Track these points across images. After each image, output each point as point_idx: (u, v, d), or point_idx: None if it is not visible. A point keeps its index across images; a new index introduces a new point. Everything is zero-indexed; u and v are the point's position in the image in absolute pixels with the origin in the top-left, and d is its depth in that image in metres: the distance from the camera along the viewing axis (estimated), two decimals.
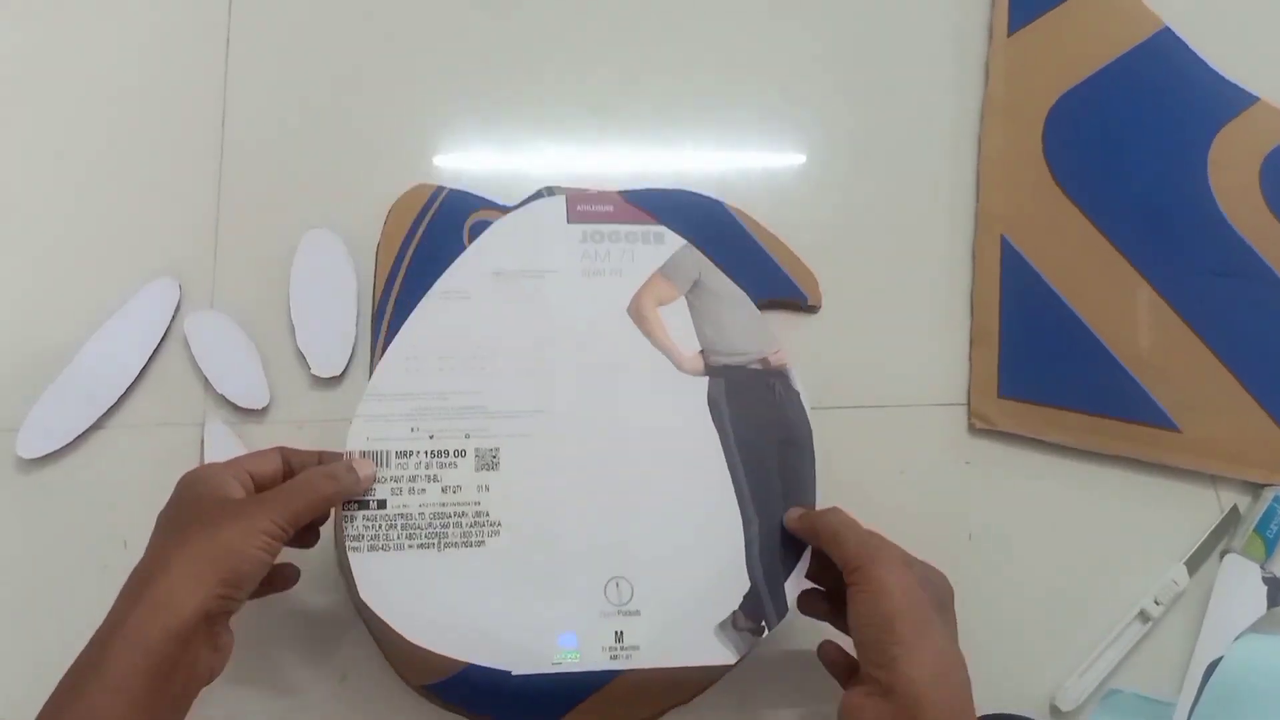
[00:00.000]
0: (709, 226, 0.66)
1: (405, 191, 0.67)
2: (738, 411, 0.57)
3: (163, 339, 0.64)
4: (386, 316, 0.65)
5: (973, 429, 0.65)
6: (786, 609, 0.54)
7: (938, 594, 0.50)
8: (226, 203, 0.68)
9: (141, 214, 0.67)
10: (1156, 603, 0.60)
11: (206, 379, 0.63)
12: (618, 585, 0.53)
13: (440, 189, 0.68)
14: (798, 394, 0.58)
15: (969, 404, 0.65)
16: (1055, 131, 0.70)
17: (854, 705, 0.47)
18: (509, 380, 0.56)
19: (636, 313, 0.58)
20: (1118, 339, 0.66)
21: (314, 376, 0.64)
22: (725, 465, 0.56)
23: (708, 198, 0.68)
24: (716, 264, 0.63)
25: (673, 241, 0.61)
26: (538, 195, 0.67)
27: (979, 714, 0.57)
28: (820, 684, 0.54)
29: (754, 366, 0.58)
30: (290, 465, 0.52)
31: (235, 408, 0.63)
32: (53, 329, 0.64)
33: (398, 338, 0.58)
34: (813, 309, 0.66)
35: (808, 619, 0.56)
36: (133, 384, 0.63)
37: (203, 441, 0.62)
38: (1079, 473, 0.64)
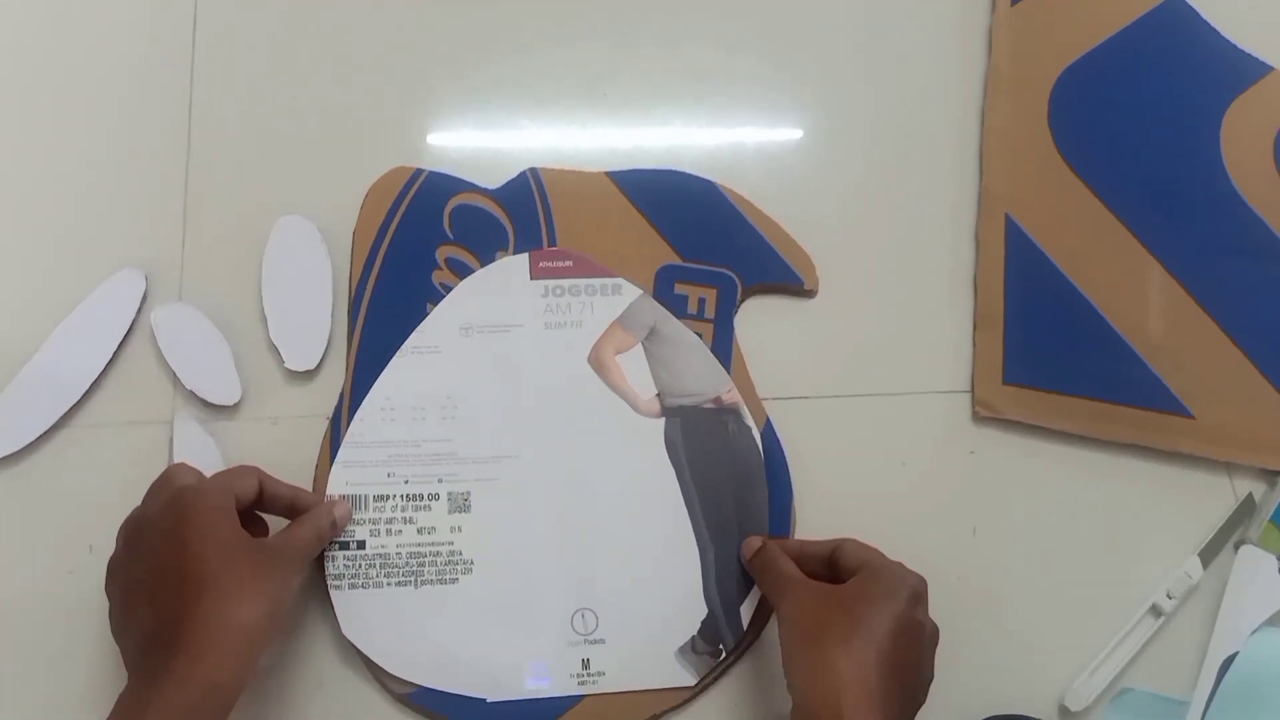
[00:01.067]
0: (701, 209, 0.65)
1: (382, 174, 0.65)
2: (693, 448, 0.60)
3: (128, 333, 0.61)
4: (364, 305, 0.62)
5: (977, 417, 0.62)
6: (743, 631, 0.57)
7: (859, 604, 0.50)
8: (194, 189, 0.65)
9: (104, 202, 0.65)
10: (1169, 596, 0.58)
11: (175, 374, 0.61)
12: (583, 616, 0.57)
13: (419, 171, 0.65)
14: (749, 428, 0.61)
15: (973, 391, 0.63)
16: (1061, 105, 0.68)
17: None
18: (478, 428, 0.60)
19: (596, 361, 0.62)
20: (1128, 322, 0.63)
21: (288, 370, 0.61)
22: (682, 500, 0.59)
23: (700, 178, 0.66)
24: (711, 249, 0.64)
25: (629, 292, 0.63)
26: (521, 177, 0.65)
27: (988, 715, 0.56)
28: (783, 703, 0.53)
29: (707, 406, 0.61)
30: (264, 490, 0.54)
31: (205, 404, 0.60)
32: (11, 324, 0.61)
33: (373, 390, 0.60)
34: (809, 293, 0.64)
35: (770, 640, 0.57)
36: (97, 381, 0.60)
37: (171, 440, 0.59)
38: (1088, 462, 0.62)
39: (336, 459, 0.59)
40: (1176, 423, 0.61)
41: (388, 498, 0.58)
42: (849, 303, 0.64)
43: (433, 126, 0.67)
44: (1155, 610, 0.58)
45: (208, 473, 0.54)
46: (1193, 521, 0.61)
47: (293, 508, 0.55)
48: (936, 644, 0.53)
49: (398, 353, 0.61)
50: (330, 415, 0.60)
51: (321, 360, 0.61)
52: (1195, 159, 0.67)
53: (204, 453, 0.59)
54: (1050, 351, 0.63)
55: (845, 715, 0.46)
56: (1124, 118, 0.68)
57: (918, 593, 0.52)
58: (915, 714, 0.51)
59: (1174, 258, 0.64)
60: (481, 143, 0.67)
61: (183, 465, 0.54)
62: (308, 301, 0.62)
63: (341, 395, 0.61)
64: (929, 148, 0.68)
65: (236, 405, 0.60)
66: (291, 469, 0.58)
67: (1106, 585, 0.59)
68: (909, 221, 0.66)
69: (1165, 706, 0.56)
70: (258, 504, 0.54)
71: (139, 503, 0.52)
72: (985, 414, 0.62)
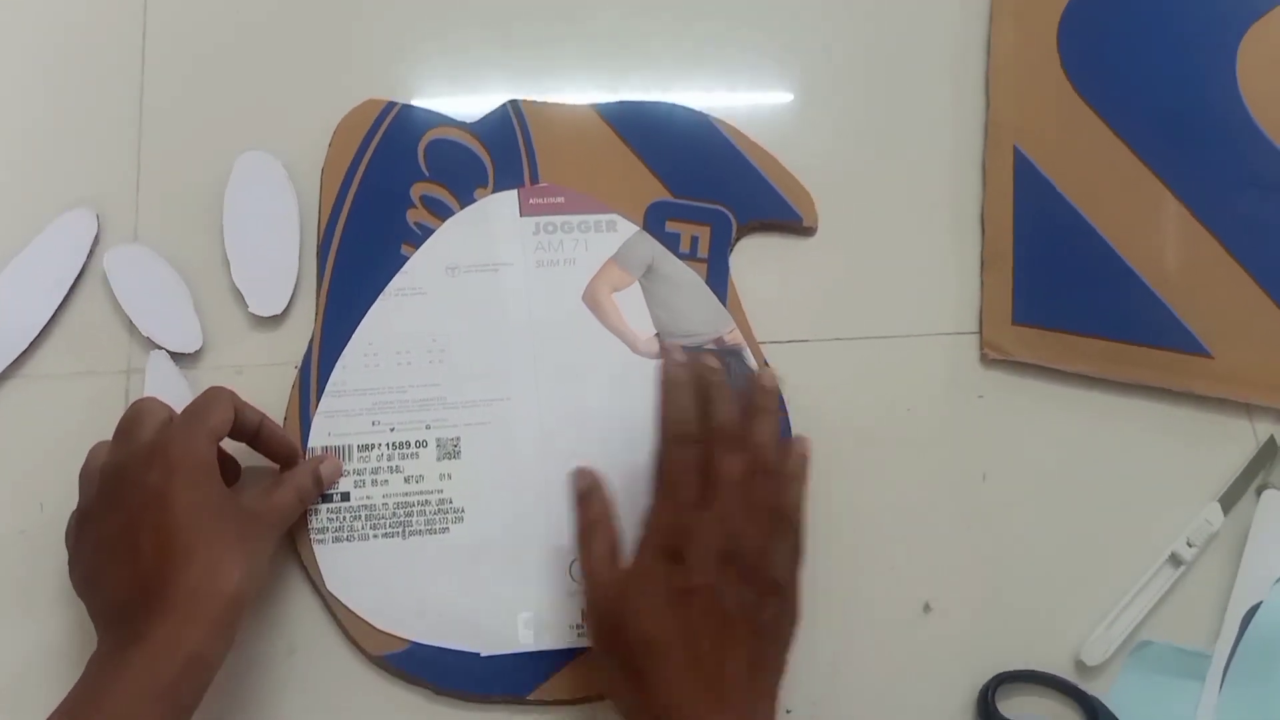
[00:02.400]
0: (694, 143, 0.62)
1: (352, 109, 0.61)
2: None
3: (79, 277, 0.58)
4: (333, 247, 0.59)
5: (985, 359, 0.59)
6: None
7: None
8: (149, 122, 0.61)
9: (52, 137, 0.61)
10: (1189, 545, 0.56)
11: (131, 321, 0.57)
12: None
13: (391, 104, 0.61)
14: (751, 369, 0.58)
15: (981, 332, 0.60)
16: (1071, 31, 0.64)
17: None
18: (467, 371, 0.57)
19: (591, 300, 0.59)
20: (1143, 258, 0.60)
21: (253, 316, 0.57)
22: None
23: (692, 111, 0.62)
24: (704, 185, 0.61)
25: (625, 229, 0.60)
26: (501, 110, 0.61)
27: (1000, 671, 0.53)
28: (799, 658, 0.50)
29: (708, 347, 0.58)
30: (236, 418, 0.50)
31: (164, 352, 0.56)
32: None
33: (355, 335, 0.57)
34: (808, 231, 0.61)
35: None
36: (46, 328, 0.57)
37: (145, 381, 0.56)
38: (1102, 404, 0.59)
39: (319, 409, 0.56)
40: (1194, 363, 0.59)
41: (373, 447, 0.55)
42: (849, 241, 0.61)
43: (405, 56, 0.63)
44: (1174, 559, 0.56)
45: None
46: (1212, 466, 0.58)
47: (258, 436, 0.52)
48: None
49: (380, 296, 0.58)
50: (299, 364, 0.57)
51: (289, 305, 0.58)
52: (1210, 87, 0.64)
53: (177, 390, 0.56)
54: (1061, 289, 0.60)
55: None
56: (1137, 44, 0.64)
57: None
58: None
59: (1190, 190, 0.62)
60: (458, 74, 0.63)
61: (154, 401, 0.50)
62: (273, 243, 0.58)
63: (311, 342, 0.57)
64: (932, 78, 0.64)
65: (198, 353, 0.57)
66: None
67: (1123, 533, 0.57)
68: (911, 155, 0.63)
69: (1186, 659, 0.54)
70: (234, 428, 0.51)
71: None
72: (994, 356, 0.59)
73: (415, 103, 0.62)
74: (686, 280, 0.59)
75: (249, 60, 0.62)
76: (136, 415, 0.49)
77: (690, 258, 0.59)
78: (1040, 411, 0.59)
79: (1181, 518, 0.57)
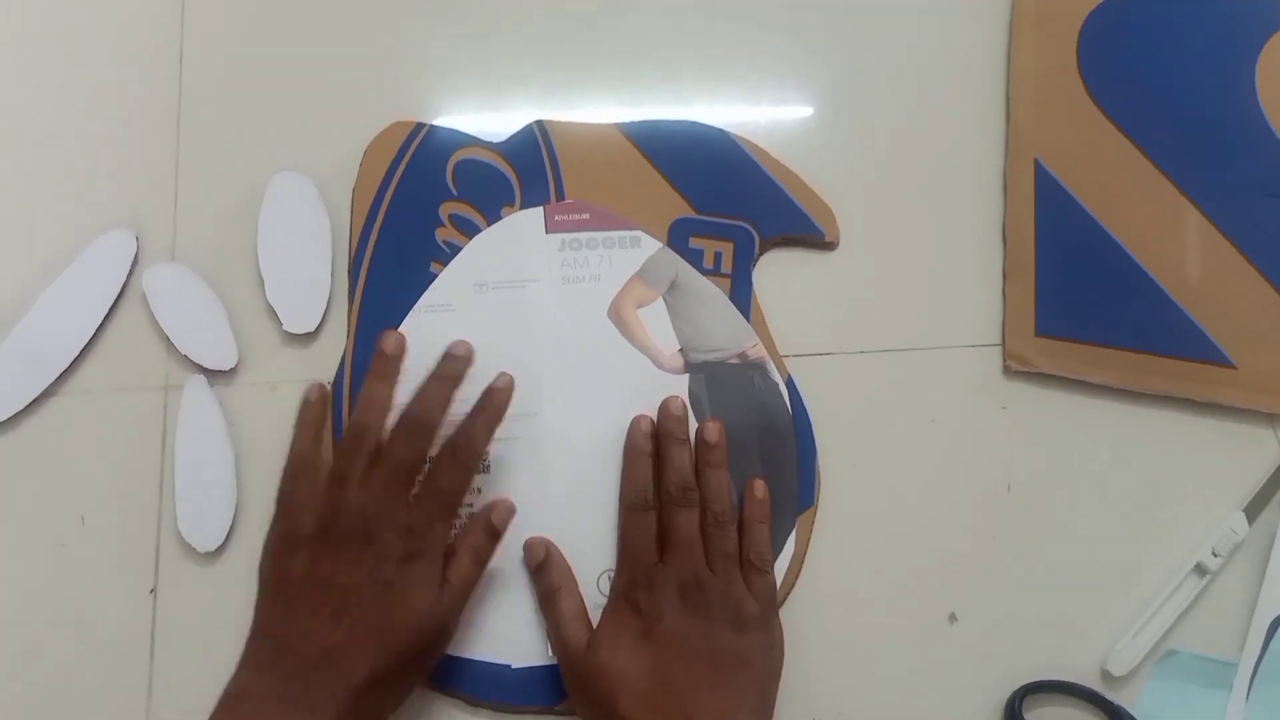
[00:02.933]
0: (715, 160, 0.63)
1: (381, 130, 0.62)
2: (718, 405, 0.58)
3: (119, 296, 0.59)
4: (364, 266, 0.60)
5: (1008, 371, 0.59)
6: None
7: None
8: (186, 145, 0.62)
9: (93, 159, 0.62)
10: (1214, 554, 0.56)
11: (169, 338, 0.58)
12: (609, 577, 0.55)
13: (420, 125, 0.62)
14: (775, 384, 0.59)
15: (1004, 344, 0.60)
16: (1090, 44, 0.64)
17: None
18: None
19: (616, 316, 0.60)
20: (1164, 269, 0.60)
21: (286, 333, 0.58)
22: None
23: (713, 128, 0.63)
24: (726, 201, 0.61)
25: (649, 245, 0.61)
26: (526, 130, 0.62)
27: (1026, 682, 0.53)
28: (818, 659, 0.53)
29: (732, 361, 0.59)
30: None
31: (201, 369, 0.58)
32: None
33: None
34: (830, 245, 0.61)
35: (805, 602, 0.55)
36: (87, 346, 0.58)
37: (181, 403, 0.57)
38: (1125, 415, 0.59)
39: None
40: (1217, 373, 0.59)
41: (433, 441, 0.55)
42: (872, 255, 0.61)
43: (433, 78, 0.64)
44: (1200, 569, 0.56)
45: (209, 438, 0.53)
46: (1237, 476, 0.58)
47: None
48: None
49: (410, 312, 0.59)
50: (331, 380, 0.58)
51: (321, 322, 0.59)
52: (1230, 99, 0.64)
53: (214, 418, 0.57)
54: (1084, 301, 0.60)
55: None
56: (1156, 57, 0.65)
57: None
58: None
59: (1210, 201, 0.62)
60: (485, 95, 0.64)
61: (457, 475, 0.51)
62: (306, 261, 0.60)
63: (343, 359, 0.58)
64: (953, 92, 0.65)
65: (233, 369, 0.58)
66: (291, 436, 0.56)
67: (1148, 544, 0.57)
68: (933, 168, 0.63)
69: (1212, 669, 0.54)
70: None
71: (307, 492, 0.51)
72: (1017, 367, 0.59)
73: (442, 123, 0.63)
74: (710, 295, 0.59)
75: (282, 82, 0.64)
76: (410, 449, 0.50)
77: (714, 273, 0.60)
78: (1064, 422, 0.59)
79: (1206, 527, 0.57)
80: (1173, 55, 0.65)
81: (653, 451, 0.55)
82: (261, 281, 0.59)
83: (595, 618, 0.53)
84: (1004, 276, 0.61)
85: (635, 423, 0.56)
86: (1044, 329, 0.59)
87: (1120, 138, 0.63)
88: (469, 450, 0.51)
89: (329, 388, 0.54)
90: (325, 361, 0.58)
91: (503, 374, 0.54)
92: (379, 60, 0.65)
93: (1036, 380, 0.59)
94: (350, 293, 0.59)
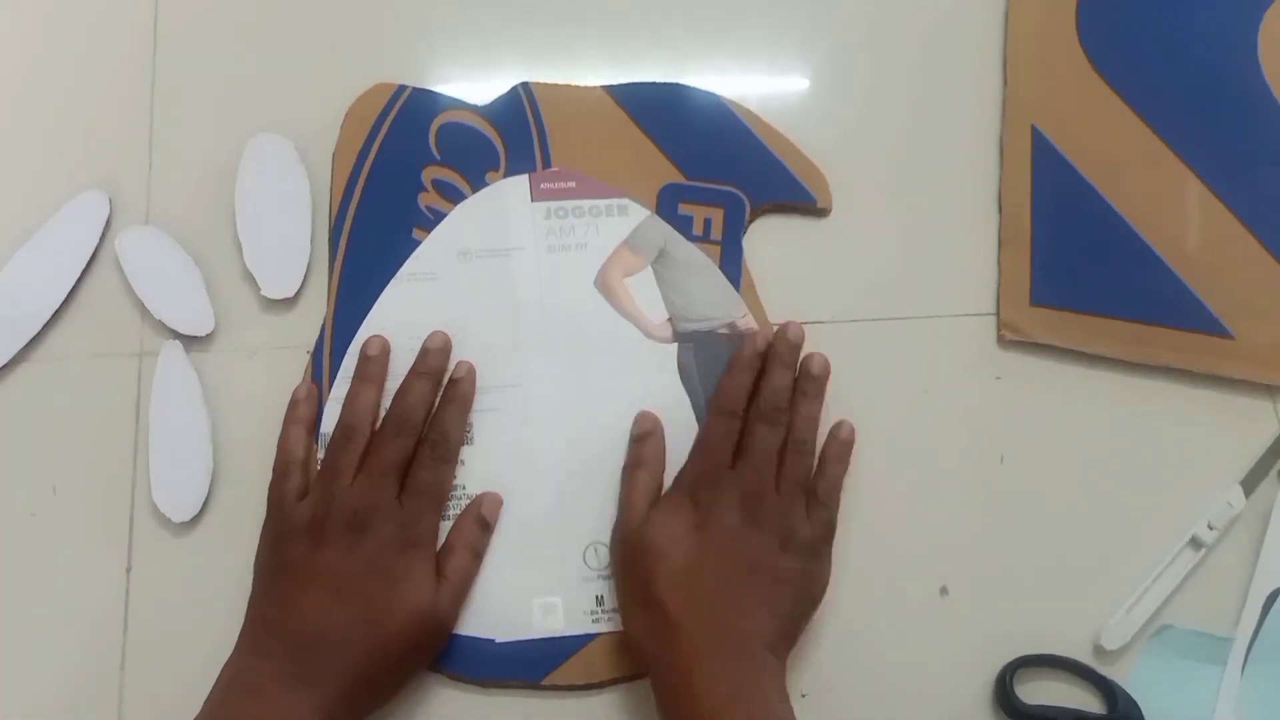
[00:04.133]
0: (706, 125, 0.61)
1: (363, 92, 0.61)
2: (707, 375, 0.57)
3: (91, 260, 0.58)
4: (345, 231, 0.58)
5: (1003, 341, 0.58)
6: None
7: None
8: (161, 105, 0.61)
9: (66, 119, 0.61)
10: (1210, 528, 0.55)
11: (143, 304, 0.57)
12: (596, 550, 0.54)
13: (402, 88, 0.61)
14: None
15: (998, 313, 0.59)
16: (1090, 10, 0.63)
17: None
18: (480, 358, 0.57)
19: (604, 285, 0.58)
20: (1163, 238, 0.59)
21: (265, 298, 0.57)
22: (697, 426, 0.56)
23: (704, 92, 0.62)
24: (717, 167, 0.60)
25: (637, 213, 0.59)
26: (512, 93, 0.61)
27: (1018, 656, 0.52)
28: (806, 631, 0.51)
29: (722, 331, 0.58)
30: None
31: (177, 335, 0.56)
32: None
33: (367, 320, 0.57)
34: (822, 212, 0.60)
35: None
36: (58, 311, 0.57)
37: (156, 370, 0.56)
38: (1122, 386, 0.58)
39: (330, 394, 0.55)
40: (1216, 344, 0.58)
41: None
42: (865, 222, 0.60)
43: (417, 37, 0.63)
44: (1195, 542, 0.55)
45: (185, 406, 0.53)
46: (1234, 448, 0.57)
47: None
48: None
49: (392, 280, 0.58)
50: (311, 348, 0.56)
51: (301, 287, 0.57)
52: (1231, 66, 0.63)
53: (189, 386, 0.55)
54: (1080, 270, 0.59)
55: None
56: (1157, 22, 0.63)
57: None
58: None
59: (1210, 170, 0.60)
60: (469, 56, 0.63)
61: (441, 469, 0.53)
62: (285, 225, 0.58)
63: (323, 326, 0.57)
64: (949, 56, 0.63)
65: (210, 336, 0.57)
66: (270, 404, 0.55)
67: (1143, 516, 0.56)
68: (928, 134, 0.62)
69: (1207, 644, 0.54)
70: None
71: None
72: (1011, 337, 0.58)
73: (427, 86, 0.61)
74: (699, 264, 0.58)
75: (261, 42, 0.62)
76: (394, 442, 0.52)
77: (703, 240, 0.59)
78: (1059, 393, 0.58)
79: (1203, 500, 0.56)
80: (1174, 21, 0.64)
81: (759, 369, 0.55)
82: (239, 246, 0.58)
83: (584, 590, 0.53)
84: (999, 244, 0.60)
85: (750, 338, 0.56)
86: (1039, 298, 0.58)
87: (1120, 104, 0.62)
88: (444, 445, 0.53)
89: (315, 385, 0.55)
90: (304, 327, 0.57)
91: (461, 363, 0.55)
92: (361, 20, 0.63)
93: (1031, 350, 0.58)
94: (330, 259, 0.58)
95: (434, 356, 0.54)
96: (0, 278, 0.56)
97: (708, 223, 0.59)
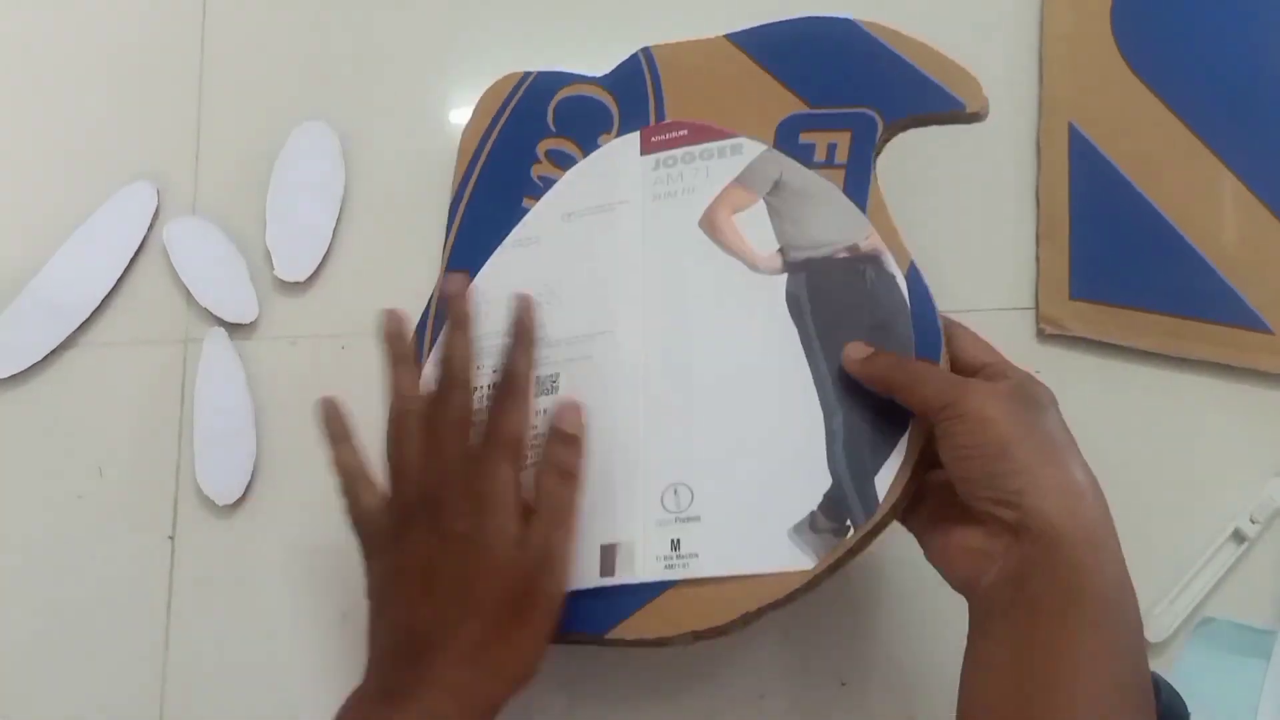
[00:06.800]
0: (834, 50, 0.57)
1: (494, 82, 0.60)
2: (821, 303, 0.52)
3: (140, 248, 0.58)
4: (461, 206, 0.58)
5: (1042, 334, 0.58)
6: (876, 506, 0.47)
7: (1047, 419, 0.44)
8: (209, 98, 0.62)
9: (116, 111, 0.62)
10: (1252, 521, 0.54)
11: (189, 291, 0.57)
12: (676, 492, 0.50)
13: (528, 74, 0.60)
14: (892, 276, 0.52)
15: (1037, 307, 0.59)
16: (1125, 7, 0.63)
17: (972, 550, 0.42)
18: (573, 310, 0.54)
19: (709, 223, 0.55)
20: (1201, 233, 0.59)
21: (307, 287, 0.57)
22: (805, 359, 0.51)
23: (833, 18, 0.57)
24: (847, 90, 0.56)
25: (752, 149, 0.56)
26: (632, 59, 0.59)
27: None
28: (919, 587, 0.49)
29: (841, 255, 0.53)
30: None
31: (221, 322, 0.57)
32: (18, 239, 0.59)
33: (469, 290, 0.54)
34: (974, 117, 0.55)
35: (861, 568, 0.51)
36: (107, 298, 0.58)
37: (201, 356, 0.56)
38: (1161, 380, 0.58)
39: (427, 361, 0.54)
40: (1254, 338, 0.57)
41: (474, 388, 0.51)
42: (903, 216, 0.59)
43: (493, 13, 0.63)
44: (1237, 536, 0.55)
45: (229, 391, 0.52)
46: (1274, 442, 0.57)
47: None
48: None
49: (497, 249, 0.56)
50: (416, 323, 0.55)
51: (316, 275, 0.57)
52: (1266, 62, 0.62)
53: (233, 372, 0.56)
54: (1119, 264, 0.59)
55: (1113, 545, 0.42)
56: (1192, 19, 0.63)
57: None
58: None
59: (1247, 167, 0.60)
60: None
61: (466, 396, 0.48)
62: (312, 211, 0.59)
63: (429, 301, 0.56)
64: (985, 53, 0.63)
65: (253, 323, 0.57)
66: (311, 390, 0.54)
67: (1184, 510, 0.55)
68: (965, 131, 0.62)
69: (1250, 636, 0.53)
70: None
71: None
72: (1051, 331, 0.58)
73: (551, 68, 0.60)
74: (818, 189, 0.54)
75: (309, 34, 0.63)
76: (446, 409, 0.48)
77: (827, 165, 0.55)
78: (1098, 387, 0.58)
79: (1244, 494, 0.55)
80: (1209, 18, 0.63)
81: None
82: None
83: (654, 536, 0.49)
84: (1037, 239, 0.60)
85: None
86: (1079, 292, 0.58)
87: (1155, 101, 0.62)
88: (515, 385, 0.48)
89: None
90: (344, 318, 0.57)
91: (517, 296, 0.51)
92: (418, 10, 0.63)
93: (1070, 344, 0.58)
94: (444, 239, 0.58)
95: (459, 303, 0.50)
96: (50, 265, 0.57)
97: (831, 148, 0.55)
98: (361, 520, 0.48)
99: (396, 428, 0.48)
